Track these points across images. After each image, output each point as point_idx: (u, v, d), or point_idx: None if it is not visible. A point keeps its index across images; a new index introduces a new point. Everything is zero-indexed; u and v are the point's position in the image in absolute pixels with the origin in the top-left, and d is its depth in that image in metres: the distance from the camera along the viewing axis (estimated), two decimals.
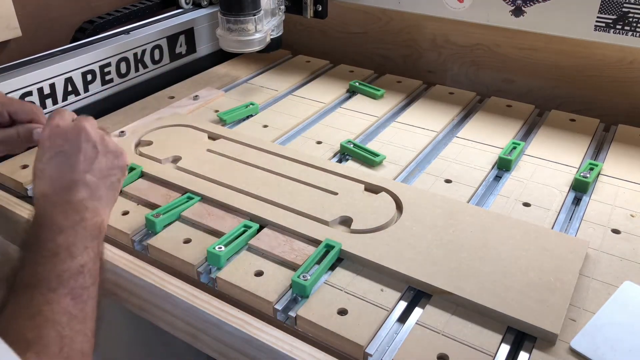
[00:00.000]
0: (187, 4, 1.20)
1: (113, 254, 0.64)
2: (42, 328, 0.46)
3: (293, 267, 0.61)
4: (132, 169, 0.77)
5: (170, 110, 0.95)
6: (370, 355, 0.53)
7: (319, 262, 0.61)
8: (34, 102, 0.85)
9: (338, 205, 0.70)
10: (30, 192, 0.75)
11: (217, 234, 0.66)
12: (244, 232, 0.65)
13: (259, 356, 0.54)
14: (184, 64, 1.14)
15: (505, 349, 0.53)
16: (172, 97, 1.02)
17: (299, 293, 0.58)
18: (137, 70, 1.05)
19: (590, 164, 0.79)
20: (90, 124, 0.61)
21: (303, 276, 0.58)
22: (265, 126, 0.92)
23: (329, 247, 0.62)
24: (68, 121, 0.61)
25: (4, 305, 0.47)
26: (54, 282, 0.49)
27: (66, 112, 0.63)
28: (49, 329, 0.46)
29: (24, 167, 0.80)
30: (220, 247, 0.62)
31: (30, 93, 0.88)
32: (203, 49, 1.17)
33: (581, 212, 0.72)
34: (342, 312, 0.56)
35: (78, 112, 0.95)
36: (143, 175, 0.78)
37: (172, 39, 1.10)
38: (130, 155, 0.81)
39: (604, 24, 0.87)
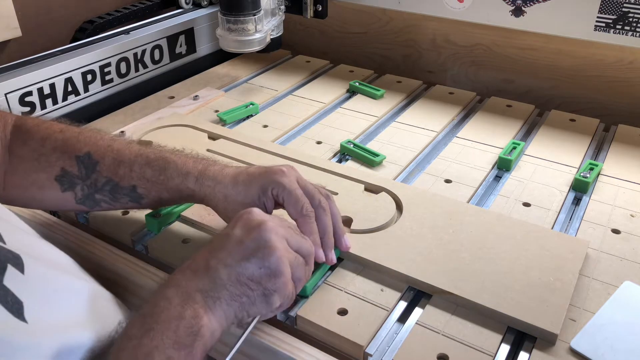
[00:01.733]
0: (187, 4, 1.20)
1: (113, 254, 0.64)
2: None
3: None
4: None
5: (170, 110, 0.95)
6: (370, 355, 0.53)
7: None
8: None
9: (338, 205, 0.70)
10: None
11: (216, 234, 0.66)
12: None
13: (259, 356, 0.54)
14: (184, 64, 1.14)
15: (505, 349, 0.53)
16: (172, 97, 1.02)
17: (299, 293, 0.58)
18: (137, 70, 1.05)
19: (590, 164, 0.79)
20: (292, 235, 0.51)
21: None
22: (265, 126, 0.92)
23: None
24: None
25: None
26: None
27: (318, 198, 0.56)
28: None
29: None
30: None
31: (30, 93, 0.88)
32: (203, 49, 1.17)
33: (581, 212, 0.72)
34: (342, 312, 0.56)
35: (78, 112, 0.95)
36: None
37: (172, 39, 1.10)
38: None
39: (604, 24, 0.87)
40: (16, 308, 0.40)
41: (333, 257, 0.58)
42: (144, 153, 0.59)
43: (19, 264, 0.43)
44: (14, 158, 0.59)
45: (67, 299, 0.47)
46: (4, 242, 0.44)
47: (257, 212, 0.50)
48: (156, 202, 0.60)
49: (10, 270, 0.41)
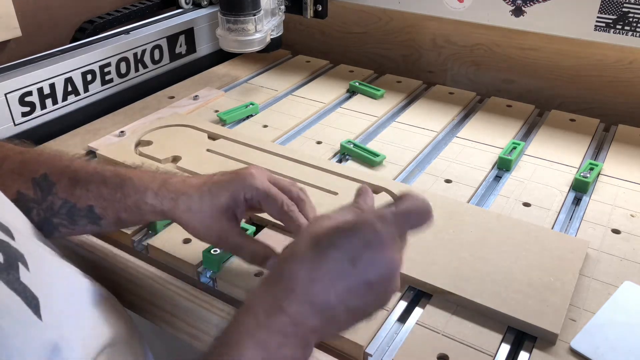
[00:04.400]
0: (187, 4, 1.20)
1: (113, 254, 0.64)
2: None
3: None
4: None
5: (170, 110, 0.95)
6: (370, 355, 0.52)
7: None
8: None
9: (338, 206, 0.70)
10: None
11: None
12: None
13: None
14: (184, 64, 1.14)
15: (505, 348, 0.53)
16: (172, 97, 1.02)
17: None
18: (137, 70, 1.05)
19: (590, 164, 0.79)
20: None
21: None
22: (265, 126, 0.92)
23: None
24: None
25: None
26: None
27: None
28: None
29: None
30: (216, 250, 0.62)
31: (30, 93, 0.88)
32: (203, 49, 1.17)
33: (581, 212, 0.72)
34: None
35: (78, 112, 0.95)
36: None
37: (172, 39, 1.10)
38: (131, 155, 0.81)
39: (604, 24, 0.87)
40: (34, 304, 0.40)
41: None
42: (100, 171, 0.56)
43: (24, 262, 0.43)
44: None
45: (77, 298, 0.47)
46: (14, 239, 0.44)
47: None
48: (115, 222, 0.57)
49: (22, 267, 0.41)
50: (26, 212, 0.54)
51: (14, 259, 0.41)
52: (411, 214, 0.43)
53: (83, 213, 0.55)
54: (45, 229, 0.56)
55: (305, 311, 0.40)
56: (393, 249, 0.41)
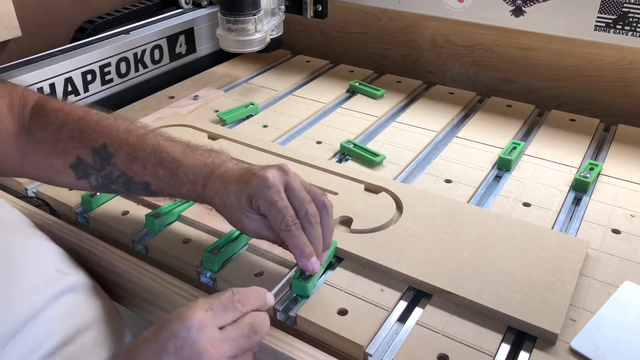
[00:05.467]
0: (187, 4, 1.20)
1: (113, 254, 0.64)
2: None
3: (293, 267, 0.61)
4: None
5: (170, 110, 0.95)
6: (370, 355, 0.52)
7: None
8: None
9: (338, 205, 0.70)
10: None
11: (216, 234, 0.66)
12: (240, 234, 0.65)
13: (259, 356, 0.54)
14: (184, 64, 1.14)
15: (505, 348, 0.53)
16: (172, 97, 1.02)
17: (299, 293, 0.58)
18: (137, 70, 1.05)
19: (590, 164, 0.79)
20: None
21: (303, 276, 0.58)
22: (265, 126, 0.92)
23: None
24: None
25: None
26: None
27: None
28: None
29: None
30: (216, 251, 0.62)
31: None
32: (203, 49, 1.17)
33: (581, 212, 0.72)
34: (342, 312, 0.56)
35: None
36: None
37: (172, 39, 1.10)
38: None
39: (604, 24, 0.87)
40: None
41: (317, 267, 0.54)
42: (157, 150, 0.59)
43: None
44: (32, 139, 0.60)
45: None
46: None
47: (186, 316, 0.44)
48: (169, 198, 0.63)
49: None
50: (84, 175, 0.59)
51: None
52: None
53: (139, 186, 0.59)
54: (103, 191, 0.62)
55: None
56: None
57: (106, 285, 0.63)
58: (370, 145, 0.85)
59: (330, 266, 0.62)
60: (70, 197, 0.73)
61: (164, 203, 0.70)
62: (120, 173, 0.59)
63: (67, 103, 0.62)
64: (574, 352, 0.52)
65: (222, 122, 0.92)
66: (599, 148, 0.87)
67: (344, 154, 0.84)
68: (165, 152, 0.59)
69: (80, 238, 0.65)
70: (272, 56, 1.16)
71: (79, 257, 0.63)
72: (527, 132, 0.92)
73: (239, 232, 0.66)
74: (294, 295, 0.59)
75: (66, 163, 0.59)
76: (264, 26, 0.98)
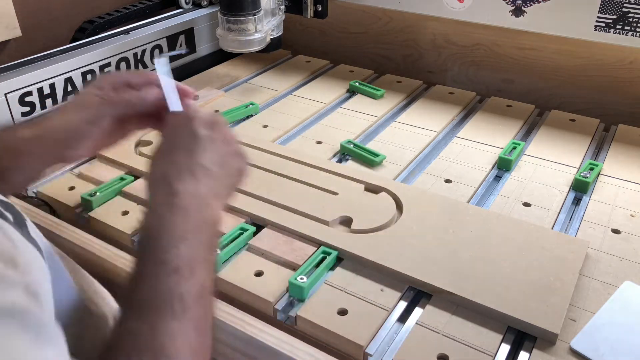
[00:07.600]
0: (187, 4, 1.20)
1: (113, 254, 0.64)
2: None
3: (293, 267, 0.61)
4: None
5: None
6: (370, 355, 0.53)
7: (317, 266, 0.61)
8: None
9: (338, 205, 0.70)
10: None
11: None
12: (240, 234, 0.65)
13: (259, 356, 0.54)
14: (184, 64, 1.14)
15: (505, 348, 0.53)
16: None
17: (296, 296, 0.58)
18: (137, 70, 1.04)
19: (590, 164, 0.79)
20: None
21: (300, 278, 0.58)
22: (265, 126, 0.92)
23: (325, 254, 0.62)
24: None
25: (118, 334, 0.39)
26: (177, 307, 0.39)
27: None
28: None
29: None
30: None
31: (30, 93, 0.88)
32: (203, 49, 1.17)
33: (581, 212, 0.72)
34: (342, 312, 0.56)
35: None
36: (143, 175, 0.77)
37: (172, 39, 1.10)
38: (131, 155, 0.81)
39: (604, 24, 0.87)
40: (42, 255, 0.40)
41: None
42: None
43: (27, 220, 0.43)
44: None
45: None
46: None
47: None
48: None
49: (29, 224, 0.41)
50: None
51: (21, 218, 0.42)
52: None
53: None
54: None
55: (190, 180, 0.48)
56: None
57: (106, 285, 0.63)
58: (370, 145, 0.85)
59: (327, 269, 0.62)
60: (70, 197, 0.73)
61: None
62: None
63: None
64: (574, 352, 0.52)
65: None
66: (599, 148, 0.87)
67: (344, 154, 0.84)
68: None
69: (80, 238, 0.65)
70: (272, 56, 1.16)
71: (79, 257, 0.63)
72: (527, 132, 0.92)
73: (239, 232, 0.66)
74: (291, 298, 0.59)
75: None
76: (264, 26, 0.98)
